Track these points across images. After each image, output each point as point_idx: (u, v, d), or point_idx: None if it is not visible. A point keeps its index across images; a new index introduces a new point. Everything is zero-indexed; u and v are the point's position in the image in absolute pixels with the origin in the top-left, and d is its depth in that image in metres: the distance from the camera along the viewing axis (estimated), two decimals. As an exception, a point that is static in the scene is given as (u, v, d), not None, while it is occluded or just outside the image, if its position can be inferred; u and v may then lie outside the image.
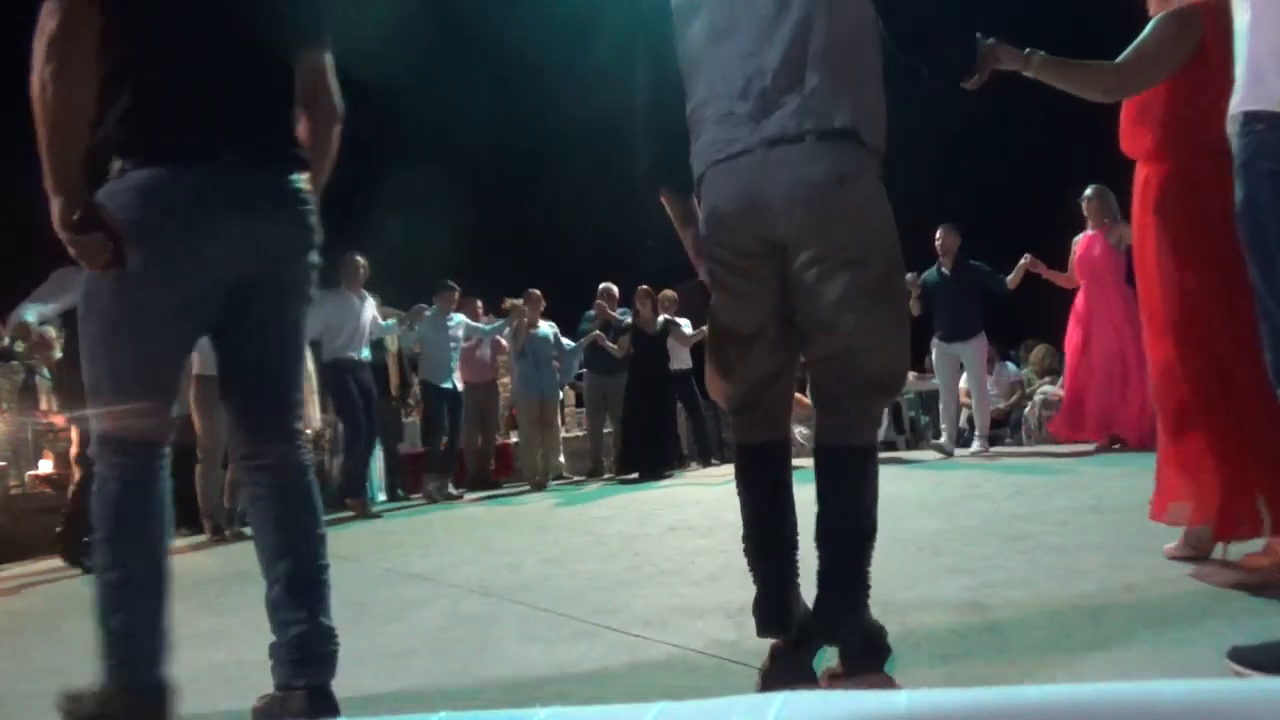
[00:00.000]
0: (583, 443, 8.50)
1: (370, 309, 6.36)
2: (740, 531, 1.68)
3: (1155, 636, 1.67)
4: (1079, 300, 5.69)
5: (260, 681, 2.02)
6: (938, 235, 6.39)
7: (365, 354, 6.30)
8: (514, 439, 9.02)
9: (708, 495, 5.07)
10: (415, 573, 3.35)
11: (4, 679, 2.30)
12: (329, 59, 1.83)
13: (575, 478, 7.94)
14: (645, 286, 7.42)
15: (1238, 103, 1.50)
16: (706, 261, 1.75)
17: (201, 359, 5.29)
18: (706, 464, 7.57)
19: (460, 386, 7.15)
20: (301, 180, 1.73)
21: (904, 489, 4.45)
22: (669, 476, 6.85)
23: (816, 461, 1.65)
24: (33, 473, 7.48)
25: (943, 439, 6.51)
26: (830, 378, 1.65)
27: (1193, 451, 2.16)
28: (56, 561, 4.81)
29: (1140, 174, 2.30)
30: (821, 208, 1.56)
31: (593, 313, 7.77)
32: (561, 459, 7.96)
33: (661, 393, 7.28)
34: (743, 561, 1.67)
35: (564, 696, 1.68)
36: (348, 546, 4.47)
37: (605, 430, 7.98)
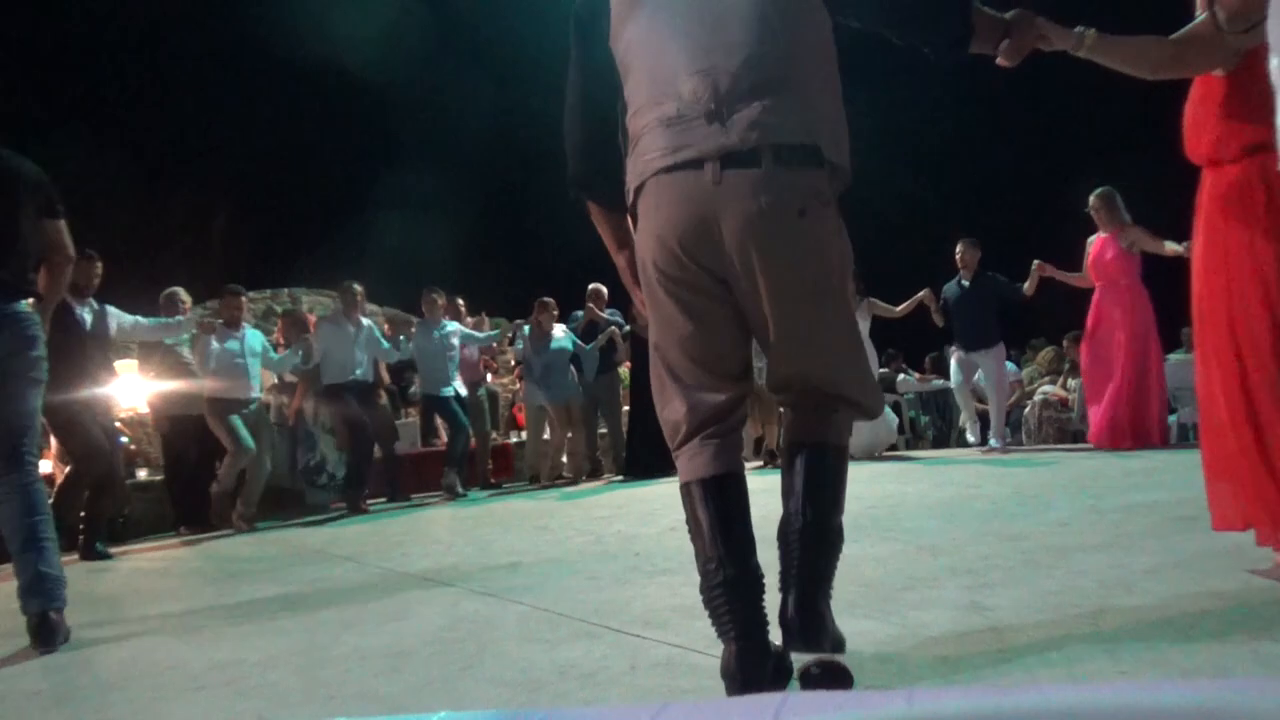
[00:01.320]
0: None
1: (367, 334, 6.76)
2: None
3: (1155, 636, 1.67)
4: (1091, 308, 5.67)
5: (260, 681, 2.03)
6: (959, 250, 6.56)
7: (365, 374, 6.75)
8: (514, 439, 9.02)
9: (708, 495, 5.06)
10: (415, 573, 3.35)
11: (6, 677, 2.30)
12: (61, 222, 2.78)
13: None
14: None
15: None
16: (645, 283, 1.61)
17: (213, 384, 5.93)
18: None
19: (464, 391, 7.29)
20: (25, 304, 2.67)
21: (904, 489, 4.45)
22: (669, 476, 6.85)
23: (786, 460, 1.59)
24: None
25: (972, 441, 6.84)
26: (795, 398, 1.62)
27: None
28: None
29: (1203, 178, 2.24)
30: (779, 242, 1.46)
31: (581, 313, 7.76)
32: (564, 459, 7.96)
33: None
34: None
35: (564, 696, 1.68)
36: (348, 546, 4.47)
37: (600, 431, 7.97)
